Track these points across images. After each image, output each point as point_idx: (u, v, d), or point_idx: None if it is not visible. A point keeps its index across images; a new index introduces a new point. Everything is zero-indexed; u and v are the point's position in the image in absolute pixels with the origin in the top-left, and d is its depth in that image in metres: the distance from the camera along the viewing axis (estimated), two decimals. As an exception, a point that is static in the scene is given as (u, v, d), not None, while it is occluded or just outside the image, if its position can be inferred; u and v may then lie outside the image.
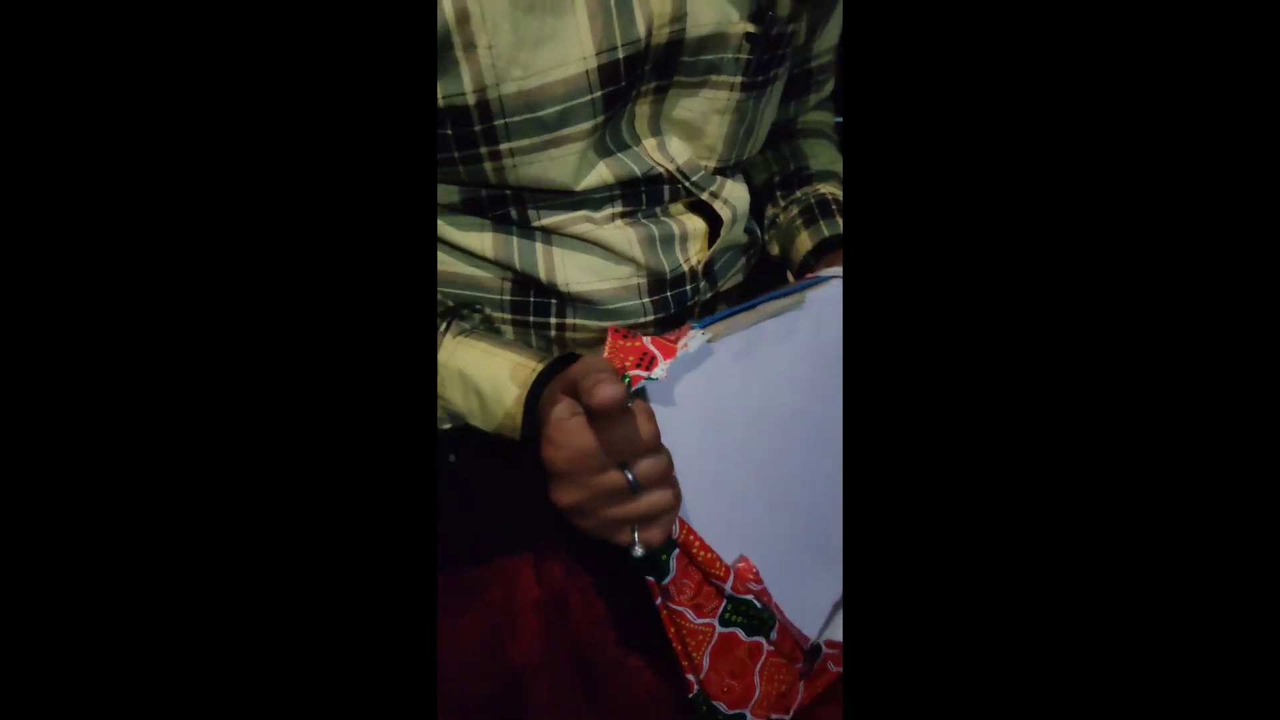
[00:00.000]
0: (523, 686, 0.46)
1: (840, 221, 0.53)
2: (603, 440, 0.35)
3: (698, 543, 0.39)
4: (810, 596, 0.45)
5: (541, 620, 0.47)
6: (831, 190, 0.55)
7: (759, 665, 0.42)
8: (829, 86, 0.58)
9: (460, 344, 0.44)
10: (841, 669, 0.45)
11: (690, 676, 0.41)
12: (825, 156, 0.58)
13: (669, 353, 0.37)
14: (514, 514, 0.47)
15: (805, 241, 0.53)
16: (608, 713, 0.45)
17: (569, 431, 0.35)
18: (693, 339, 0.38)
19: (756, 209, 0.56)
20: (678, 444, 0.38)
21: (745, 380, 0.42)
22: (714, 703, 0.41)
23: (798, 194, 0.56)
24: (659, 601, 0.40)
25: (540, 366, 0.42)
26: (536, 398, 0.40)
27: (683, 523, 0.39)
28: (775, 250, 0.56)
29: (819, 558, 0.45)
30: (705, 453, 0.40)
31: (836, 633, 0.45)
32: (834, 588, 0.46)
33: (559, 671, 0.46)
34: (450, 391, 0.44)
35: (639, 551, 0.36)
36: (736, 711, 0.42)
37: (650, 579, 0.40)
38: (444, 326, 0.45)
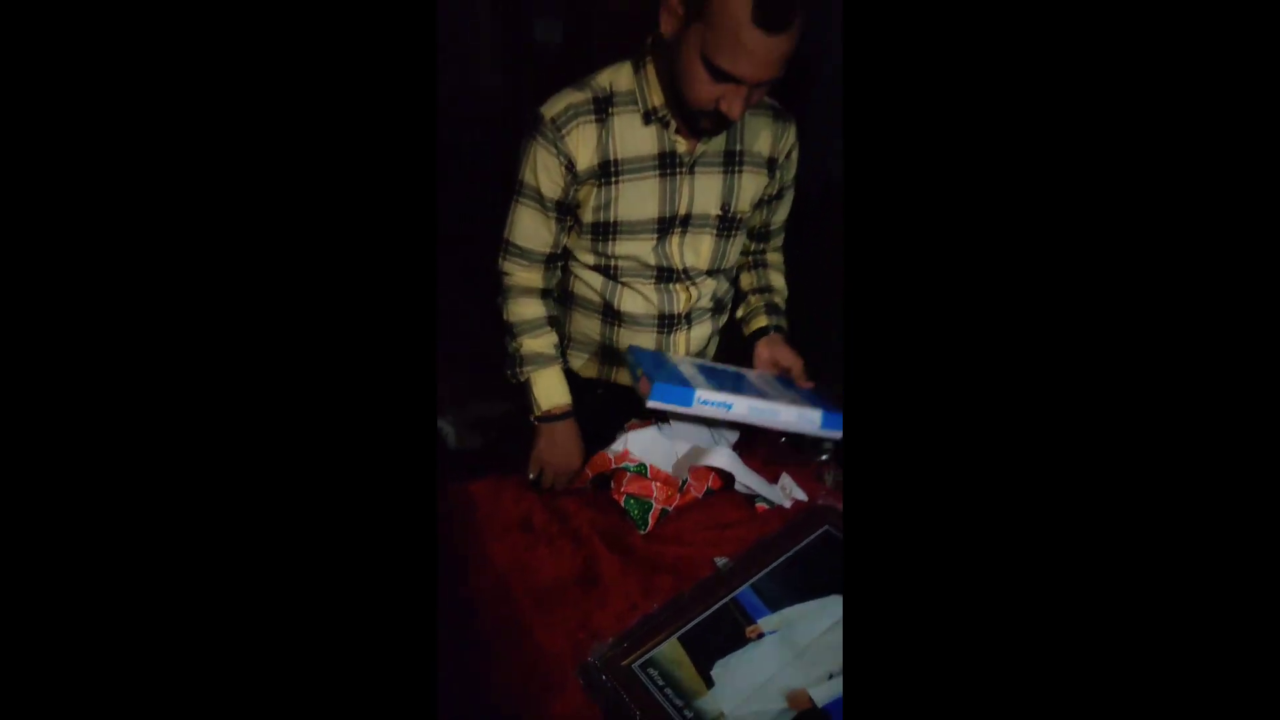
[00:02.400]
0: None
1: (779, 322, 1.19)
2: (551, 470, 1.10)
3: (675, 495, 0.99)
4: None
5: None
6: (779, 302, 1.22)
7: (653, 485, 0.97)
8: (778, 239, 1.24)
9: (556, 365, 1.12)
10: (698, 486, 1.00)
11: (623, 490, 0.97)
12: (780, 284, 1.24)
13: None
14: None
15: (761, 320, 1.19)
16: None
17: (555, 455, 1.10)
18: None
19: (733, 300, 1.23)
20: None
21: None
22: (634, 498, 0.95)
23: (765, 298, 1.22)
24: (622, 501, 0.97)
25: (569, 406, 1.11)
26: (556, 417, 1.10)
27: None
28: (740, 315, 1.23)
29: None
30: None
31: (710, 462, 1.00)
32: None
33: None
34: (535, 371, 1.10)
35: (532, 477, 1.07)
36: (646, 500, 0.95)
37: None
38: (555, 338, 1.11)
